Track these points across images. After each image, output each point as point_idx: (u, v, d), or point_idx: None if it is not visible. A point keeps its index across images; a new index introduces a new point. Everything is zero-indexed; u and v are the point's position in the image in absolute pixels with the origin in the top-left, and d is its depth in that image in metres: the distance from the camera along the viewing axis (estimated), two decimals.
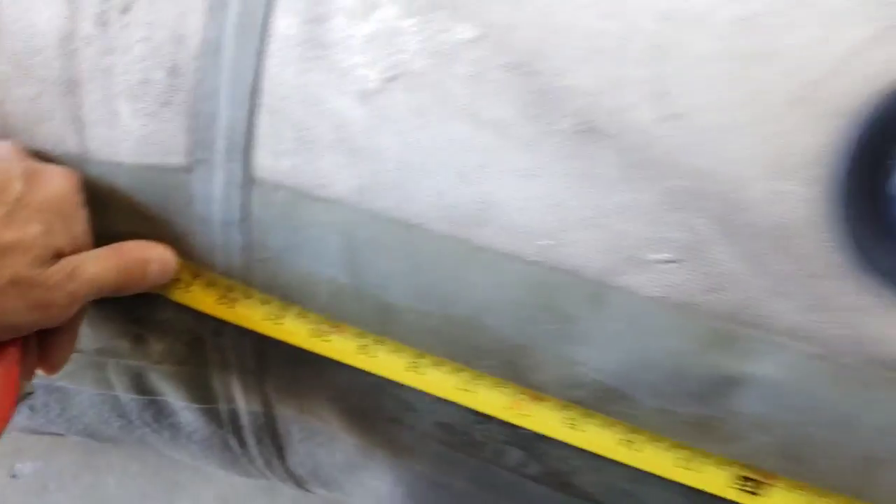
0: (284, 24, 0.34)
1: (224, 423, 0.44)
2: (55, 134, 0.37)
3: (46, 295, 0.32)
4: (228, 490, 0.68)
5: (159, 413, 0.45)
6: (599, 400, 0.34)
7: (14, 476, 0.67)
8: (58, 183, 0.34)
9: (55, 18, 0.36)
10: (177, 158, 0.36)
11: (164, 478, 0.68)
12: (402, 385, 0.36)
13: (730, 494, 0.33)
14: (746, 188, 0.30)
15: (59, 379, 0.44)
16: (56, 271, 0.32)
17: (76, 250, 0.34)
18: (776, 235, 0.30)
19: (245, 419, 0.43)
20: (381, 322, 0.36)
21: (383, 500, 0.45)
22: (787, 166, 0.30)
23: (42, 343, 0.36)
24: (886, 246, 0.29)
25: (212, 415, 0.44)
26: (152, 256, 0.36)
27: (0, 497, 0.66)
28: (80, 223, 0.35)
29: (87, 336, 0.41)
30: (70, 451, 0.69)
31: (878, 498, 0.32)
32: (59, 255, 0.33)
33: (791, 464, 0.33)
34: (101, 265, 0.34)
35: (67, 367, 0.39)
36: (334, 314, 0.37)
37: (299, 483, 0.49)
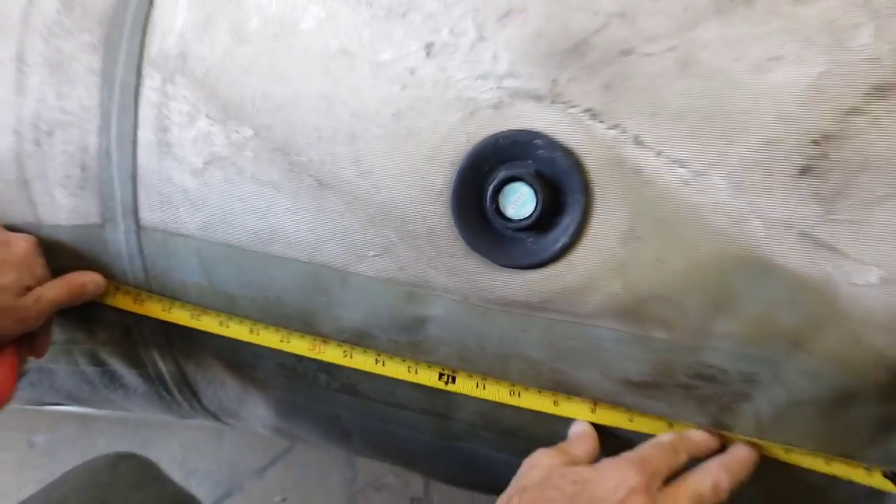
0: (145, 135, 0.57)
1: (154, 381, 0.67)
2: (18, 211, 0.60)
3: (23, 314, 0.55)
4: (187, 438, 0.92)
5: (112, 379, 0.68)
6: (357, 338, 0.57)
7: (31, 445, 0.91)
8: (23, 244, 0.57)
9: (8, 143, 0.58)
10: (94, 219, 0.59)
11: (140, 435, 0.92)
12: (251, 343, 0.59)
13: (438, 384, 0.56)
14: (409, 210, 0.52)
15: (44, 363, 0.67)
16: (27, 299, 0.55)
17: (39, 283, 0.57)
18: (428, 235, 0.52)
19: (166, 376, 0.67)
20: (228, 306, 0.59)
21: (265, 420, 0.68)
22: (429, 196, 0.52)
23: (29, 341, 0.60)
24: (485, 235, 0.52)
25: (144, 376, 0.67)
26: (88, 280, 0.59)
27: (21, 462, 0.89)
28: (40, 267, 0.58)
29: (57, 332, 0.64)
30: (71, 423, 0.93)
31: (514, 379, 0.55)
32: (28, 289, 0.56)
33: (464, 363, 0.56)
34: (55, 291, 0.57)
35: (48, 355, 0.62)
36: (201, 304, 0.60)
37: (216, 417, 0.72)
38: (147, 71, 0.57)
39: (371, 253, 0.54)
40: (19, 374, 0.59)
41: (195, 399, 0.69)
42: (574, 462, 0.51)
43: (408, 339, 0.56)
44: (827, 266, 0.46)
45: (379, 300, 0.55)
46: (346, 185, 0.53)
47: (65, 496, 0.60)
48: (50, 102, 0.57)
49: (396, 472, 0.95)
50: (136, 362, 0.66)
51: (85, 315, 0.63)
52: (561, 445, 0.53)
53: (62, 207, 0.59)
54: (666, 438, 0.51)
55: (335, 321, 0.56)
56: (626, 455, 0.50)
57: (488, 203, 0.51)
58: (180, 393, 0.68)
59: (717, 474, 0.49)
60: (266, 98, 0.54)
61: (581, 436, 0.54)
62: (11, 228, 0.60)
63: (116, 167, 0.57)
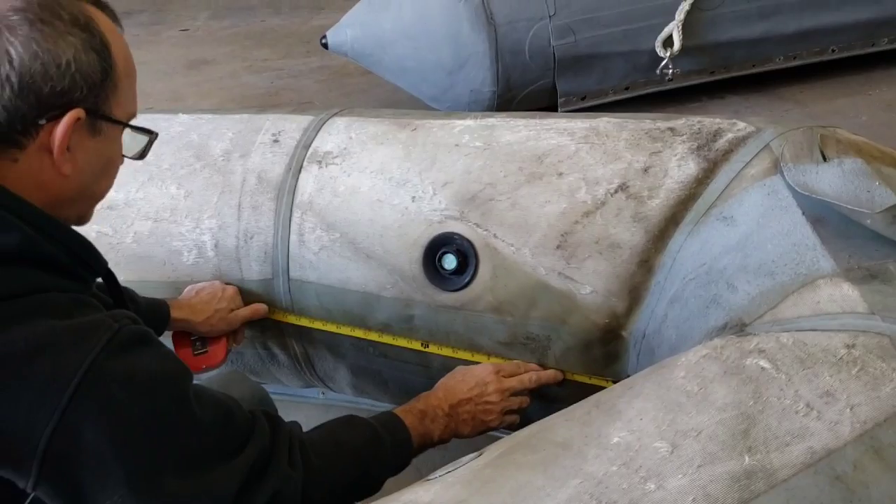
0: (293, 238, 1.28)
1: (293, 358, 1.36)
2: (233, 271, 1.31)
3: (228, 323, 1.27)
4: (312, 412, 1.60)
5: (272, 357, 1.37)
6: (384, 327, 1.25)
7: None
8: (231, 290, 1.29)
9: (231, 241, 1.30)
10: (268, 276, 1.29)
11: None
12: (340, 334, 1.27)
13: (421, 349, 1.23)
14: (404, 266, 1.20)
15: (240, 348, 1.37)
16: (231, 316, 1.28)
17: (238, 307, 1.28)
18: (412, 278, 1.20)
19: (299, 356, 1.35)
20: (328, 315, 1.28)
21: (347, 379, 1.36)
22: (413, 259, 1.20)
23: (234, 335, 1.30)
24: (436, 277, 1.19)
25: (288, 355, 1.36)
26: (261, 308, 1.31)
27: None
28: (238, 300, 1.29)
29: (248, 332, 1.35)
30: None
31: (451, 344, 1.21)
32: (231, 311, 1.27)
33: (430, 337, 1.22)
34: (245, 312, 1.29)
35: (241, 345, 1.32)
36: (317, 316, 1.29)
37: (323, 381, 1.40)
38: (295, 210, 1.28)
39: (388, 286, 1.22)
40: (228, 351, 1.30)
41: (313, 369, 1.37)
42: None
43: (406, 325, 1.23)
44: (570, 285, 1.11)
45: (393, 308, 1.22)
46: (378, 257, 1.22)
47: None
48: (252, 224, 1.29)
49: None
50: (284, 347, 1.35)
51: (261, 324, 1.33)
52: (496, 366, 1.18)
53: (254, 271, 1.30)
54: (514, 362, 1.18)
55: (375, 318, 1.24)
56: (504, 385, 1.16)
57: (437, 262, 1.18)
58: (306, 366, 1.37)
59: (533, 375, 1.15)
60: (346, 221, 1.24)
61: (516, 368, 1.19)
62: (226, 281, 1.31)
63: (280, 252, 1.28)
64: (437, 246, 1.18)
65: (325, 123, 1.37)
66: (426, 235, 1.19)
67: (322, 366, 1.38)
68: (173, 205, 1.33)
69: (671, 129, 1.17)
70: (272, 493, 0.80)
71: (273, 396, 1.22)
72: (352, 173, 1.27)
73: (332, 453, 0.90)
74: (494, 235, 1.15)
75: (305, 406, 1.62)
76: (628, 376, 0.95)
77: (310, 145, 1.33)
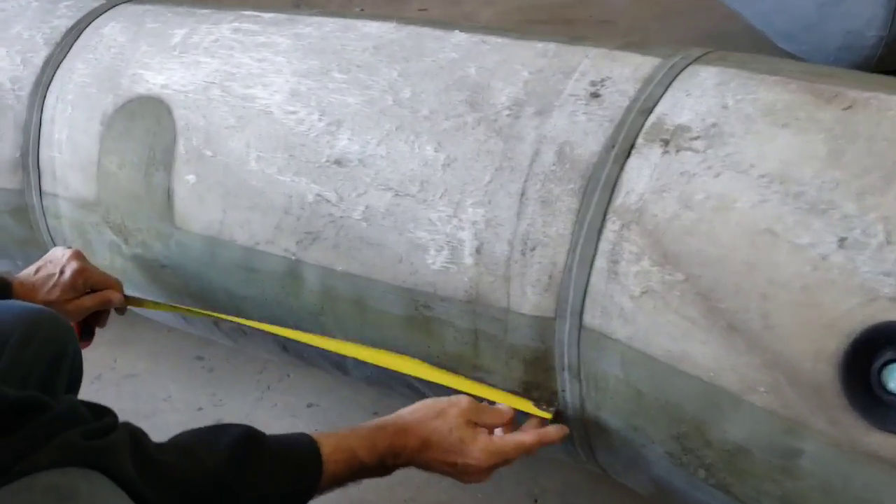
0: (599, 263, 0.77)
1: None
2: (496, 296, 0.84)
3: (68, 314, 0.97)
4: (570, 475, 1.13)
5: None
6: (732, 456, 0.72)
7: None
8: (69, 273, 0.99)
9: (503, 251, 0.82)
10: (549, 314, 0.81)
11: (533, 462, 1.14)
12: None
13: None
14: (801, 364, 0.66)
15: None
16: (70, 306, 0.98)
17: (81, 295, 0.99)
18: (814, 387, 0.65)
19: (575, 435, 0.87)
20: (629, 398, 0.77)
21: (649, 489, 0.86)
22: (821, 357, 0.65)
23: (96, 320, 1.03)
24: (865, 398, 0.63)
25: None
26: (112, 296, 1.02)
27: None
28: (81, 286, 1.00)
29: None
30: None
31: None
32: (69, 301, 0.98)
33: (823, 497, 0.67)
34: (91, 301, 1.00)
35: None
36: (610, 390, 0.79)
37: (606, 471, 0.91)
38: (610, 216, 0.77)
39: (761, 388, 0.68)
40: (90, 339, 1.05)
41: (591, 454, 0.89)
42: (478, 422, 0.79)
43: (781, 462, 0.69)
44: None
45: (762, 427, 0.69)
46: (751, 333, 0.68)
47: None
48: (537, 227, 0.81)
49: None
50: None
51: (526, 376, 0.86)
52: (480, 407, 0.81)
53: (528, 301, 0.82)
54: (528, 441, 0.80)
55: (722, 433, 0.71)
56: (496, 444, 0.78)
57: (873, 373, 0.63)
58: (583, 448, 0.89)
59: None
60: (699, 255, 0.71)
61: (497, 412, 0.82)
62: (487, 308, 0.84)
63: (574, 281, 0.79)
64: (878, 343, 0.63)
65: (679, 74, 0.83)
66: (858, 319, 0.63)
67: (611, 461, 0.88)
68: (426, 174, 0.88)
69: None
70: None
71: None
72: (723, 172, 0.73)
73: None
74: None
75: None
76: None
77: (651, 110, 0.80)
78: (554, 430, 0.82)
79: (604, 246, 0.77)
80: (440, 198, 0.86)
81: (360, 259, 0.91)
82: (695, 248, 0.72)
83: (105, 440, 0.61)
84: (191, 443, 0.69)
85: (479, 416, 0.80)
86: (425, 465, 0.79)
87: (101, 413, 0.65)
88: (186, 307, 1.06)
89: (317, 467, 0.72)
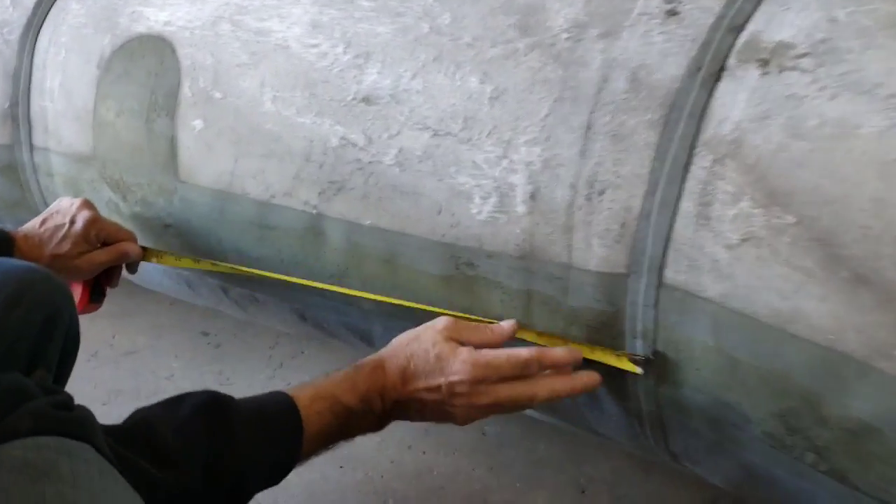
0: (686, 206, 0.64)
1: (631, 414, 0.75)
2: (555, 251, 0.71)
3: (77, 270, 0.88)
4: (619, 465, 1.00)
5: (595, 403, 0.77)
6: (863, 431, 0.59)
7: (483, 434, 1.07)
8: (81, 223, 0.88)
9: (564, 195, 0.69)
10: (620, 269, 0.68)
11: (576, 450, 1.02)
12: (741, 404, 0.64)
13: None
14: None
15: None
16: (81, 261, 0.87)
17: (93, 248, 0.90)
18: None
19: (644, 414, 0.74)
20: (731, 368, 0.64)
21: (732, 477, 0.73)
22: None
23: (108, 277, 0.93)
24: None
25: (626, 408, 0.75)
26: (129, 249, 0.91)
27: (474, 447, 1.05)
28: (93, 238, 0.89)
29: None
30: (518, 422, 1.07)
31: None
32: (82, 254, 0.87)
33: None
34: (104, 255, 0.89)
35: None
36: (725, 360, 0.66)
37: (674, 458, 0.78)
38: (699, 150, 0.64)
39: None
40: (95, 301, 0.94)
41: (662, 440, 0.76)
42: (460, 339, 0.69)
43: None
44: None
45: None
46: (883, 285, 0.55)
47: None
48: (606, 167, 0.68)
49: None
50: (622, 395, 0.74)
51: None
52: (461, 324, 0.70)
53: (594, 255, 0.69)
54: (524, 355, 0.68)
55: (843, 409, 0.59)
56: (479, 355, 0.67)
57: None
58: (651, 431, 0.76)
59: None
60: (816, 192, 0.58)
61: (486, 328, 0.71)
62: (544, 264, 0.71)
63: (653, 229, 0.66)
64: None
65: None
66: None
67: (685, 440, 0.76)
68: (470, 110, 0.75)
69: None
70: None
71: None
72: (840, 94, 0.60)
73: None
74: None
75: None
76: None
77: (741, 27, 0.67)
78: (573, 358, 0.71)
79: (691, 185, 0.64)
80: (487, 136, 0.73)
81: (392, 211, 0.79)
82: (809, 184, 0.59)
83: (74, 413, 0.49)
84: (149, 417, 0.59)
85: (460, 334, 0.70)
86: (415, 406, 0.69)
87: (53, 392, 0.53)
88: (211, 261, 0.93)
89: (295, 421, 0.64)
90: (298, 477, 1.01)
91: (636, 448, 0.83)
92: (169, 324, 1.31)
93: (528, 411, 1.01)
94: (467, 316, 0.77)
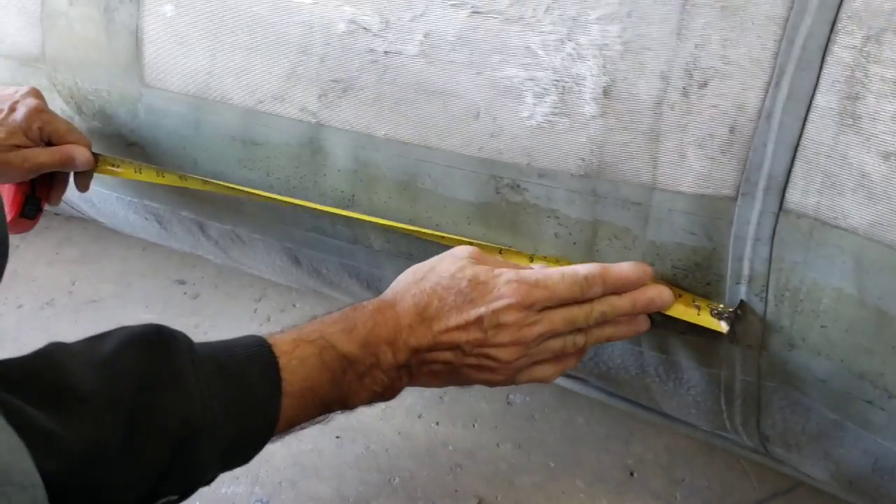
0: (824, 100, 0.47)
1: (720, 385, 0.58)
2: (632, 167, 0.54)
3: (8, 167, 0.69)
4: (674, 444, 0.84)
5: (669, 370, 0.61)
6: None
7: (509, 403, 0.90)
8: (24, 111, 0.71)
9: (651, 89, 0.52)
10: (727, 191, 0.51)
11: (622, 424, 0.86)
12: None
13: None
14: None
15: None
16: (14, 156, 0.69)
17: (34, 145, 0.71)
18: None
19: (738, 384, 0.57)
20: (878, 321, 0.47)
21: (847, 468, 0.56)
22: None
23: (48, 191, 0.76)
24: None
25: (711, 376, 0.58)
26: (77, 153, 0.73)
27: (498, 419, 0.88)
28: (35, 132, 0.71)
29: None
30: (551, 393, 0.90)
31: None
32: (17, 147, 0.70)
33: None
34: (46, 156, 0.71)
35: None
36: (849, 316, 0.49)
37: (762, 441, 0.62)
38: (844, 25, 0.46)
39: None
40: (34, 218, 0.76)
41: (755, 417, 0.59)
42: (484, 262, 0.54)
43: None
44: None
45: None
46: None
47: None
48: (711, 49, 0.50)
49: None
50: (709, 360, 0.57)
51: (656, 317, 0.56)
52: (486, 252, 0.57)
53: (690, 171, 0.52)
54: (582, 272, 0.52)
55: None
56: (527, 274, 0.52)
57: None
58: (743, 406, 0.59)
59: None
60: None
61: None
62: (617, 186, 0.54)
63: (775, 133, 0.48)
64: None
65: None
66: None
67: (784, 420, 0.59)
68: None
69: None
70: None
71: None
72: None
73: None
74: None
75: None
76: None
77: None
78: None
79: (832, 72, 0.46)
80: (545, 12, 0.55)
81: (414, 117, 0.61)
82: None
83: None
84: (59, 351, 0.42)
85: (486, 260, 0.55)
86: (442, 357, 0.53)
87: None
88: (182, 174, 0.74)
89: (272, 369, 0.47)
90: (286, 448, 0.86)
91: (709, 427, 0.67)
92: (140, 270, 1.13)
93: (571, 383, 0.85)
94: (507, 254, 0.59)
